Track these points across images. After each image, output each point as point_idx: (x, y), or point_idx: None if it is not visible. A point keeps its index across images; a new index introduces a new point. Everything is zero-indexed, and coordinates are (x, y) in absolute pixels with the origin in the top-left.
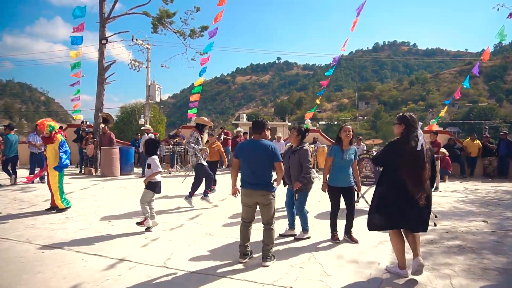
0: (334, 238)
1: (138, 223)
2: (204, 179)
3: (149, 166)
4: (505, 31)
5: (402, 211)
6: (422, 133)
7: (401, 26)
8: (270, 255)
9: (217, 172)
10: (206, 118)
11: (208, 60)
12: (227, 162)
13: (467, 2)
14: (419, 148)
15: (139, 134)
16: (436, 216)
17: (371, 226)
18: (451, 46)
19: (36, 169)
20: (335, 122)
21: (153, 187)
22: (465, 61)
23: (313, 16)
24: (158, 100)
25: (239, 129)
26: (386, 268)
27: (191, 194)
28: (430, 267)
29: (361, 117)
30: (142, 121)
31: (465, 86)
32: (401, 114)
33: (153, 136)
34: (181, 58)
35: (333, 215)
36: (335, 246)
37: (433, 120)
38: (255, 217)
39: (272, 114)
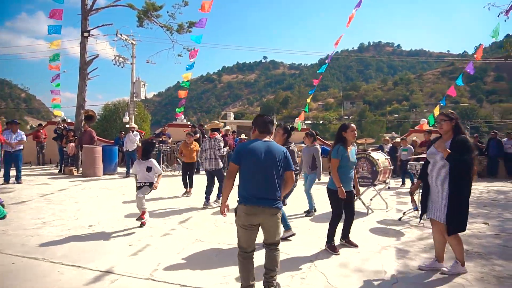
0: (335, 251)
1: (138, 219)
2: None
3: (149, 170)
4: (499, 30)
5: None
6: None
7: (385, 27)
8: (275, 283)
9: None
10: (216, 121)
11: (197, 55)
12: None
13: (450, 5)
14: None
15: (123, 132)
16: None
17: (464, 228)
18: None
19: (11, 168)
20: (321, 122)
21: (151, 185)
22: (448, 61)
23: (299, 16)
24: (143, 97)
25: (227, 127)
26: (442, 271)
27: (208, 198)
28: (441, 277)
29: (346, 117)
30: (126, 119)
31: (458, 84)
32: (448, 111)
33: (138, 134)
34: (167, 54)
35: (334, 224)
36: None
37: (423, 119)
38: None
39: (258, 113)
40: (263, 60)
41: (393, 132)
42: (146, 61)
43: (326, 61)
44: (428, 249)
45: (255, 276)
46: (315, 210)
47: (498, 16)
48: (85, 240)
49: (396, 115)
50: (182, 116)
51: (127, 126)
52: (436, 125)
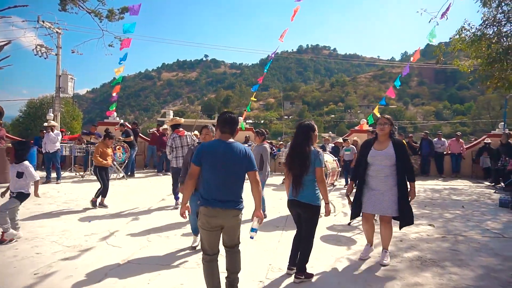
0: (311, 277)
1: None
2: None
3: (20, 175)
4: (434, 32)
5: None
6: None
7: (323, 31)
8: (237, 285)
9: (140, 174)
10: (177, 118)
11: (129, 45)
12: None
13: (379, 13)
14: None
15: (44, 131)
16: None
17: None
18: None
19: None
20: (262, 121)
21: (22, 197)
22: (379, 66)
23: (240, 15)
24: (71, 92)
25: (165, 126)
26: (383, 264)
27: (177, 198)
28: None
29: (286, 117)
30: (50, 116)
31: (396, 85)
32: (387, 116)
33: (59, 133)
34: (96, 43)
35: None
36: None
37: (364, 119)
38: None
39: (199, 112)
40: (204, 59)
41: (330, 132)
42: (72, 51)
43: (271, 55)
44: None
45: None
46: (265, 216)
47: (430, 21)
48: None
49: (332, 116)
50: (115, 114)
51: (45, 124)
52: (377, 125)
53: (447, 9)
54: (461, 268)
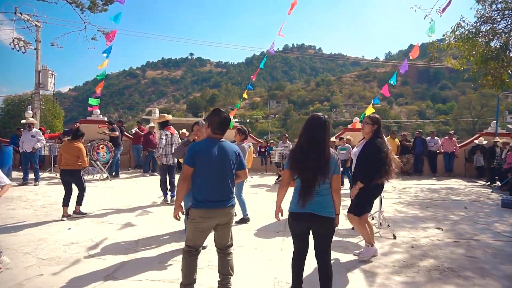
0: None
1: None
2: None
3: None
4: (434, 27)
5: None
6: None
7: (308, 31)
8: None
9: (125, 175)
10: (165, 114)
11: (114, 38)
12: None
13: (365, 13)
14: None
15: (22, 129)
16: (388, 225)
17: None
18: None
19: None
20: (248, 120)
21: None
22: (363, 65)
23: (226, 14)
24: (51, 89)
25: (151, 124)
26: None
27: (166, 194)
28: None
29: (272, 116)
30: (29, 113)
31: (392, 83)
32: (370, 115)
33: (38, 132)
34: (78, 36)
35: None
36: None
37: (356, 117)
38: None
39: (184, 111)
40: (190, 57)
41: None
42: (51, 44)
43: (270, 49)
44: (399, 268)
45: None
46: (248, 219)
47: (425, 18)
48: None
49: None
50: (98, 111)
51: (23, 121)
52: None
53: (448, 3)
54: (485, 279)
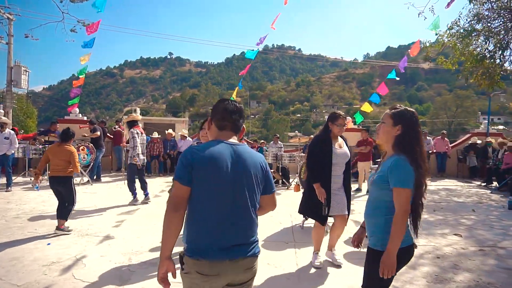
0: None
1: None
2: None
3: None
4: (438, 23)
5: None
6: None
7: (288, 32)
8: None
9: (107, 178)
10: (134, 114)
11: (97, 29)
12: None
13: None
14: None
15: None
16: None
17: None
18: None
19: None
20: None
21: None
22: (342, 66)
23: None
24: (24, 87)
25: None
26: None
27: (135, 194)
28: None
29: (253, 116)
30: (1, 112)
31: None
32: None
33: (11, 133)
34: (56, 27)
35: None
36: None
37: (349, 117)
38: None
39: (164, 111)
40: (169, 56)
41: (296, 131)
42: (25, 36)
43: (261, 40)
44: (431, 283)
45: None
46: None
47: (418, 16)
48: None
49: (298, 115)
50: (77, 109)
51: None
52: (336, 125)
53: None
54: None
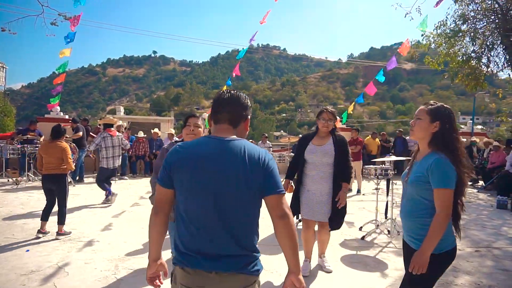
0: None
1: None
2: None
3: None
4: (426, 22)
5: None
6: None
7: (273, 31)
8: None
9: (90, 179)
10: (111, 117)
11: (79, 22)
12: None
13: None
14: None
15: None
16: (398, 233)
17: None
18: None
19: None
20: None
21: None
22: (326, 67)
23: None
24: (2, 83)
25: (119, 122)
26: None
27: (109, 191)
28: None
29: None
30: None
31: (380, 80)
32: (332, 109)
33: None
34: (35, 21)
35: None
36: None
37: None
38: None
39: (148, 110)
40: (153, 55)
41: (282, 131)
42: (2, 29)
43: (252, 38)
44: None
45: None
46: None
47: (405, 16)
48: None
49: (284, 115)
50: (58, 108)
51: None
52: (319, 120)
53: None
54: None
